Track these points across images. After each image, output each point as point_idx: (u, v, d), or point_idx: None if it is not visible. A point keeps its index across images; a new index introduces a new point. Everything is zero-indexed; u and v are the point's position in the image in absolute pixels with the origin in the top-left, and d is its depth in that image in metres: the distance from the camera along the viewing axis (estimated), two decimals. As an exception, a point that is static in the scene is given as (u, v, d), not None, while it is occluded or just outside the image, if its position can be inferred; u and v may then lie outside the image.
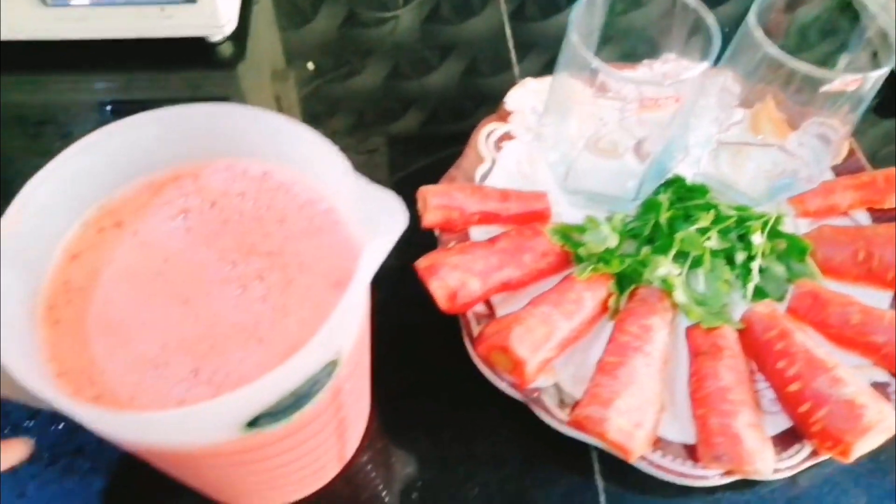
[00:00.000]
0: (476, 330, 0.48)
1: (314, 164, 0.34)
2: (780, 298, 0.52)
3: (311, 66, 0.67)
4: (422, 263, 0.49)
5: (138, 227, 0.34)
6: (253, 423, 0.29)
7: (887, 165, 0.57)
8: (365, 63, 0.68)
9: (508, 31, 0.71)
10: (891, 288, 0.51)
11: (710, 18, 0.48)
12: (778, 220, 0.53)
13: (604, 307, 0.50)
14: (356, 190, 0.31)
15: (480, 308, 0.50)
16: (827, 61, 0.53)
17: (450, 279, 0.48)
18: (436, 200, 0.52)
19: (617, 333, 0.48)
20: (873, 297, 0.51)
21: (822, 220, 0.56)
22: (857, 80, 0.45)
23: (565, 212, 0.56)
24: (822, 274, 0.52)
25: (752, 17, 0.48)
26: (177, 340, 0.31)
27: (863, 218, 0.56)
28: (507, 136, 0.59)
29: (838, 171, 0.58)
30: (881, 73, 0.46)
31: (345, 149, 0.57)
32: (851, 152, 0.58)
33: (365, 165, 0.59)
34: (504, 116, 0.60)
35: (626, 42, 0.55)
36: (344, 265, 0.33)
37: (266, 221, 0.35)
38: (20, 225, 0.31)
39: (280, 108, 0.67)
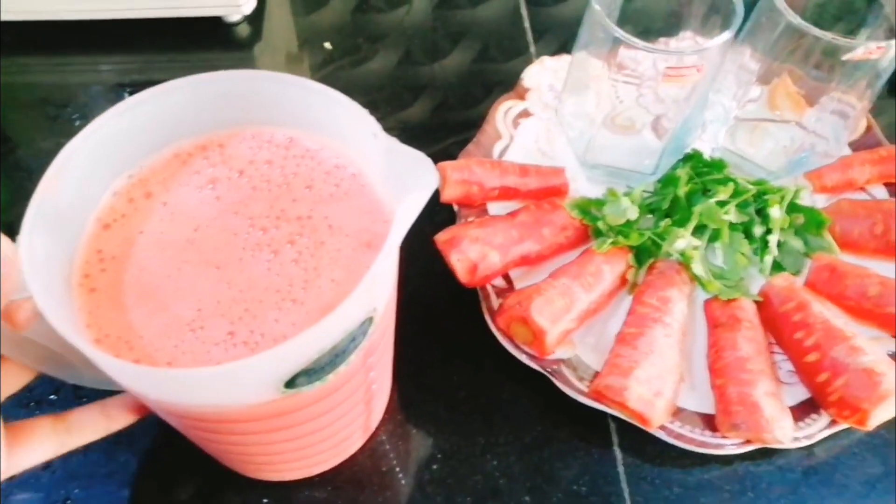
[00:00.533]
0: (495, 303, 0.49)
1: (341, 128, 0.35)
2: (797, 272, 0.52)
3: (328, 45, 0.68)
4: (442, 237, 0.50)
5: (168, 197, 0.35)
6: (291, 382, 0.30)
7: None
8: (378, 48, 0.68)
9: (525, 14, 0.71)
10: (909, 261, 0.52)
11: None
12: (797, 193, 0.53)
13: (622, 281, 0.50)
14: (385, 151, 0.31)
15: (499, 282, 0.50)
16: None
17: (470, 252, 0.48)
18: (455, 175, 0.52)
19: (636, 305, 0.48)
20: (891, 271, 0.52)
21: (840, 195, 0.56)
22: (880, 48, 0.45)
23: (583, 187, 0.56)
24: (840, 248, 0.52)
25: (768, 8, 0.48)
26: (211, 304, 0.32)
27: (880, 193, 0.56)
28: (524, 114, 0.59)
29: (855, 146, 0.58)
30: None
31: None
32: (869, 128, 0.59)
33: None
34: (521, 94, 0.60)
35: (644, 21, 0.55)
36: (373, 227, 0.34)
37: (294, 188, 0.35)
38: (56, 193, 0.31)
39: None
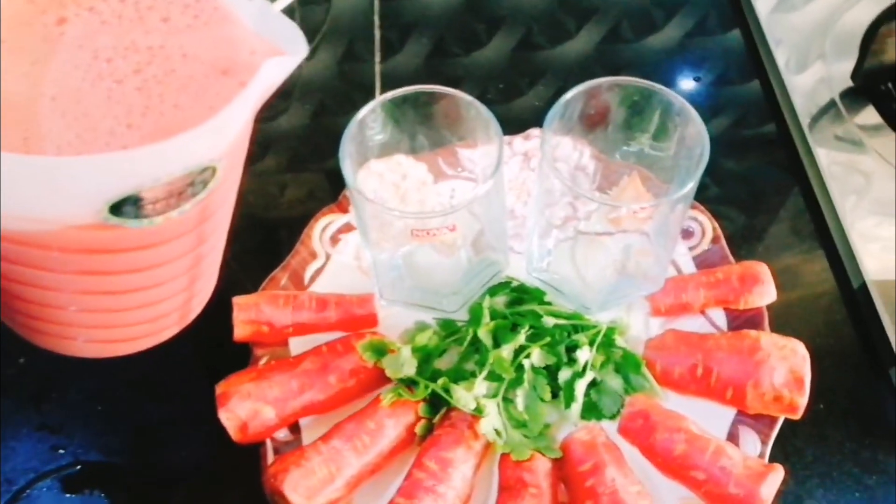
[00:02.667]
0: (271, 461, 0.46)
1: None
2: (615, 416, 0.47)
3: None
4: (218, 389, 0.46)
5: (6, 35, 0.34)
6: (117, 208, 0.29)
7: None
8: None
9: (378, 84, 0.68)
10: (732, 406, 0.46)
11: (494, 124, 0.44)
12: (611, 331, 0.48)
13: (411, 434, 0.46)
14: (259, 14, 0.33)
15: (283, 434, 0.47)
16: (661, 136, 0.48)
17: (239, 410, 0.45)
18: (242, 315, 0.49)
19: (414, 468, 0.44)
20: (718, 413, 0.47)
21: (676, 318, 0.51)
22: (644, 209, 0.41)
23: (400, 314, 0.52)
24: (662, 386, 0.48)
25: (545, 133, 0.43)
26: (39, 133, 0.31)
27: (719, 317, 0.51)
28: (347, 228, 0.55)
29: (699, 261, 0.53)
30: (664, 201, 0.41)
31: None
32: (716, 238, 0.53)
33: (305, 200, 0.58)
34: (345, 206, 0.56)
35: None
36: (234, 56, 0.34)
37: (147, 20, 0.35)
38: None
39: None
